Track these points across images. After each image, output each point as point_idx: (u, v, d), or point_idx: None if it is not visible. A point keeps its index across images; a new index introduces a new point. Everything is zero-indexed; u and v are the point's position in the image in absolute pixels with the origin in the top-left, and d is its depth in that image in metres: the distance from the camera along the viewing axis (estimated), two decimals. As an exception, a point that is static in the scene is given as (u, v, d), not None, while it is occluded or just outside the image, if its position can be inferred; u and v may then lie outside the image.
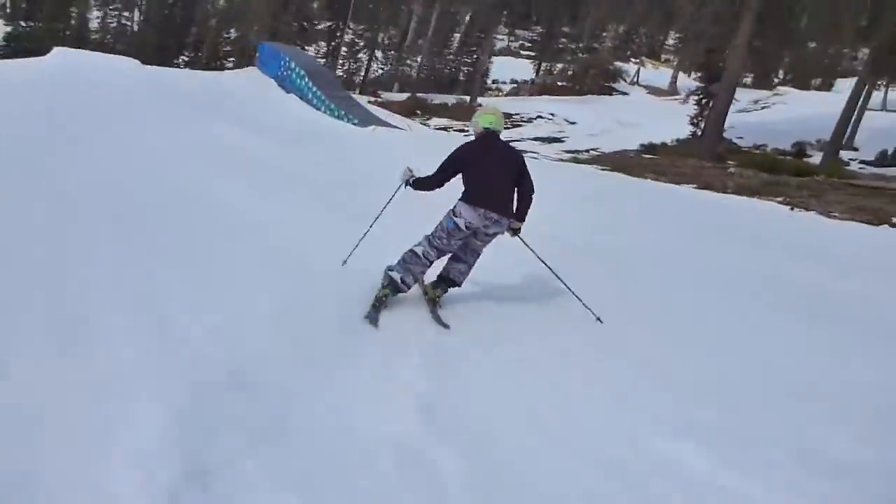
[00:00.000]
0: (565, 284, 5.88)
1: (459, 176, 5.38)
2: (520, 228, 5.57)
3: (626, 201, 15.08)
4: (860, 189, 19.23)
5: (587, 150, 34.14)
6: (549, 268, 5.90)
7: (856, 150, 32.21)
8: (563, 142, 36.01)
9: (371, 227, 5.98)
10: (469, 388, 4.28)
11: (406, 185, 5.60)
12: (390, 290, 5.37)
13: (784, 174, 22.24)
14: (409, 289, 5.46)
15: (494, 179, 5.32)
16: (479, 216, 5.22)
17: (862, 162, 29.67)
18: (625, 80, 58.26)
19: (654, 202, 16.13)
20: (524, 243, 5.75)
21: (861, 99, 31.39)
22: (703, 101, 33.93)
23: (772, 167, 22.95)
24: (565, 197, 12.15)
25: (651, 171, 23.10)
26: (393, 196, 5.80)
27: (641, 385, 4.61)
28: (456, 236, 5.32)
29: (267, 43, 24.54)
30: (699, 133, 34.45)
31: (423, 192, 5.52)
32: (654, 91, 56.50)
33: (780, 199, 18.03)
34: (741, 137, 34.20)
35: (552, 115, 41.79)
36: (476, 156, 5.38)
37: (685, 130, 34.72)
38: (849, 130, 33.92)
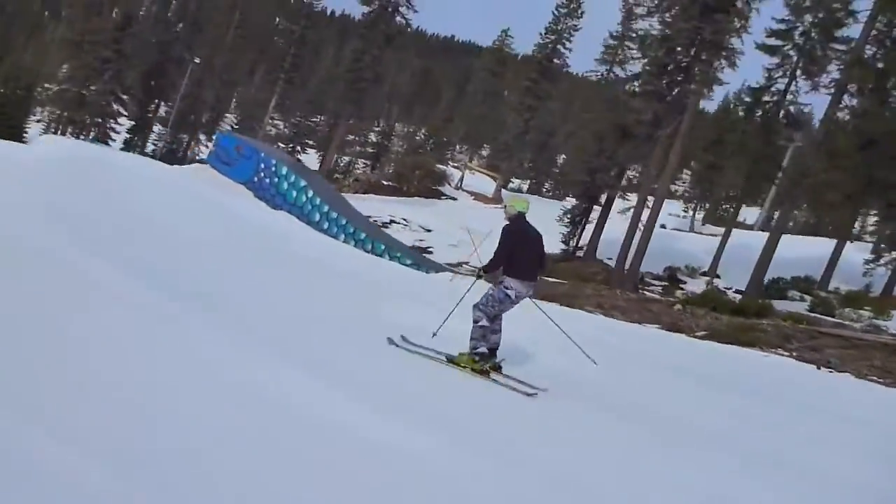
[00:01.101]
0: (567, 335, 7.79)
1: None
2: None
3: (627, 353, 11.95)
4: (842, 340, 18.21)
5: (459, 264, 31.59)
6: (553, 321, 7.99)
7: (718, 276, 32.85)
8: (431, 253, 33.13)
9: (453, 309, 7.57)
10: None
11: (479, 276, 7.56)
12: (484, 360, 6.81)
13: (725, 313, 21.09)
14: (495, 348, 7.01)
15: (532, 256, 7.15)
16: (525, 287, 7.05)
17: (737, 291, 29.94)
18: (450, 185, 57.40)
19: (652, 353, 13.12)
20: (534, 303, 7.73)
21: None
22: (579, 219, 33.09)
23: (712, 303, 21.75)
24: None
25: (591, 304, 20.98)
26: (471, 286, 7.82)
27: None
28: (506, 303, 7.03)
29: (229, 134, 18.99)
30: (570, 251, 33.57)
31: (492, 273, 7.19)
32: (479, 197, 56.04)
33: (780, 350, 16.40)
34: (610, 258, 33.65)
35: (405, 220, 38.95)
36: (522, 239, 7.10)
37: (549, 245, 33.58)
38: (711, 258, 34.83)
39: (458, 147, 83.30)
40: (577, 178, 32.73)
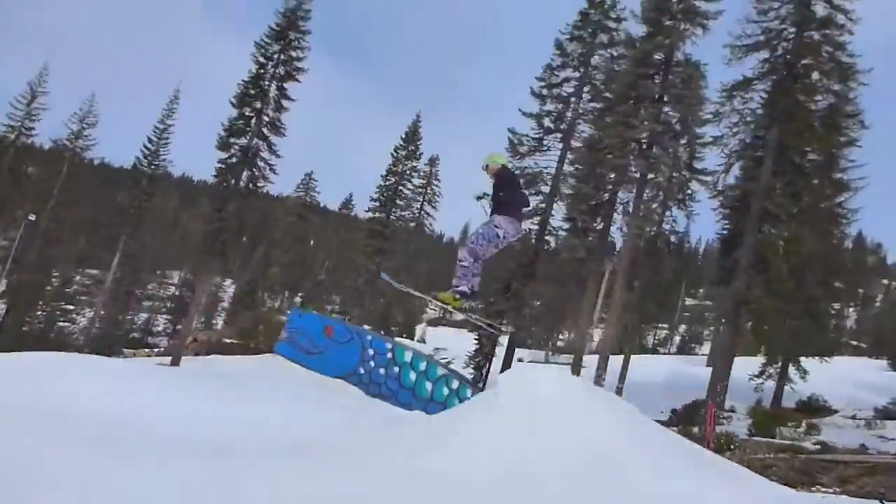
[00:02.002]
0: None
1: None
2: None
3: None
4: (844, 465, 17.74)
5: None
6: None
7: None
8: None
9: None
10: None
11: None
12: (463, 300, 7.12)
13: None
14: (473, 292, 7.21)
15: (524, 199, 7.52)
16: (513, 228, 7.13)
17: (657, 421, 29.48)
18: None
19: None
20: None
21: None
22: (480, 362, 31.51)
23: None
24: None
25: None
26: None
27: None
28: (494, 242, 7.13)
29: (308, 312, 14.67)
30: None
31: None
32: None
33: (821, 487, 15.58)
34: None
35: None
36: (518, 180, 7.72)
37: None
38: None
39: (277, 292, 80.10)
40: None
